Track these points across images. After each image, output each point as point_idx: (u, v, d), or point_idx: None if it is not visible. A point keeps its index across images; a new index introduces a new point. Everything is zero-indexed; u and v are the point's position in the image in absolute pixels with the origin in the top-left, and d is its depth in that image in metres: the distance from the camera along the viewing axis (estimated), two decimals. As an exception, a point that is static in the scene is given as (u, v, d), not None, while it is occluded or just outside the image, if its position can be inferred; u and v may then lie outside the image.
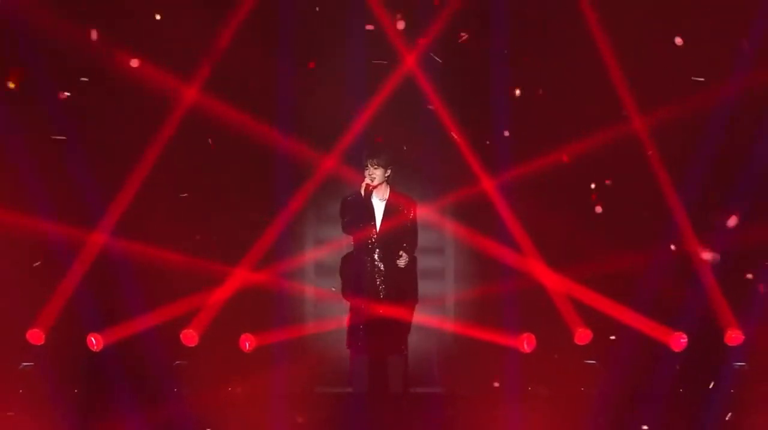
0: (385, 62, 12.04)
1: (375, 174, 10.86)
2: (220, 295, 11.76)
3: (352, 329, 10.87)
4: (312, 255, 12.42)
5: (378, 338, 10.82)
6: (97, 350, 11.57)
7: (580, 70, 11.93)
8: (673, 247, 11.78)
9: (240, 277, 11.78)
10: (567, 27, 11.93)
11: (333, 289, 11.59)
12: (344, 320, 11.03)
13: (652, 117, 11.79)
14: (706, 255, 11.63)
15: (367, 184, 10.82)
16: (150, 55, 11.73)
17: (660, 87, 11.81)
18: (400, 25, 11.97)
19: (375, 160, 10.82)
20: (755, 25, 11.70)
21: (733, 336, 11.47)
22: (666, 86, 11.80)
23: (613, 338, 11.82)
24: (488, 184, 11.96)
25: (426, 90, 11.98)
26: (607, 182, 12.00)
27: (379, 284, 10.83)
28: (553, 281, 11.81)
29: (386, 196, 10.94)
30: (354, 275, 10.90)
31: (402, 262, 10.77)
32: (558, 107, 12.01)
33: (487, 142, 12.08)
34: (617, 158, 11.85)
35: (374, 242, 10.87)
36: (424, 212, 11.53)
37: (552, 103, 12.04)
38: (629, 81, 11.79)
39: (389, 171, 10.89)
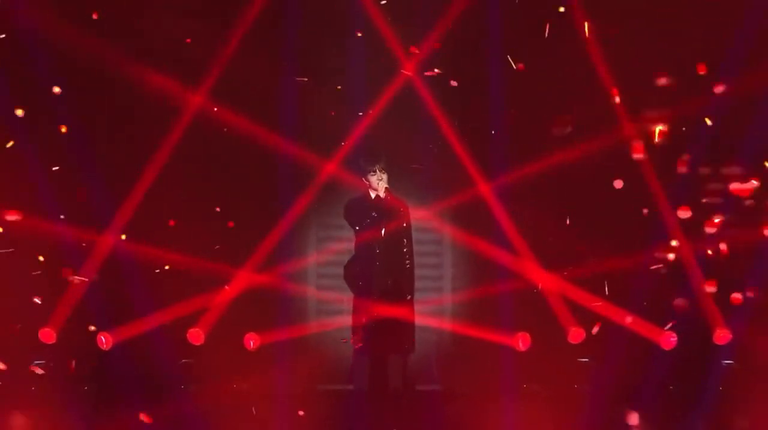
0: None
1: (383, 177, 11.12)
2: (225, 295, 11.84)
3: (359, 329, 11.04)
4: (314, 257, 12.50)
5: (384, 337, 11.00)
6: (107, 349, 11.65)
7: (578, 71, 11.97)
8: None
9: (245, 278, 11.85)
10: (564, 29, 12.00)
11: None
12: (346, 319, 11.22)
13: (646, 119, 11.95)
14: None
15: (386, 188, 11.08)
16: (156, 60, 11.82)
17: (654, 88, 11.91)
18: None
19: (381, 165, 11.09)
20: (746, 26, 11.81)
21: (722, 335, 11.56)
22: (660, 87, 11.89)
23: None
24: (485, 187, 12.06)
25: (424, 95, 12.17)
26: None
27: (385, 284, 11.08)
28: (547, 281, 11.88)
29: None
30: (360, 276, 11.11)
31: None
32: (555, 108, 12.11)
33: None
34: (613, 159, 11.94)
35: (379, 243, 11.14)
36: (423, 215, 11.78)
37: (550, 104, 12.13)
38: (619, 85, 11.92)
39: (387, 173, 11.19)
